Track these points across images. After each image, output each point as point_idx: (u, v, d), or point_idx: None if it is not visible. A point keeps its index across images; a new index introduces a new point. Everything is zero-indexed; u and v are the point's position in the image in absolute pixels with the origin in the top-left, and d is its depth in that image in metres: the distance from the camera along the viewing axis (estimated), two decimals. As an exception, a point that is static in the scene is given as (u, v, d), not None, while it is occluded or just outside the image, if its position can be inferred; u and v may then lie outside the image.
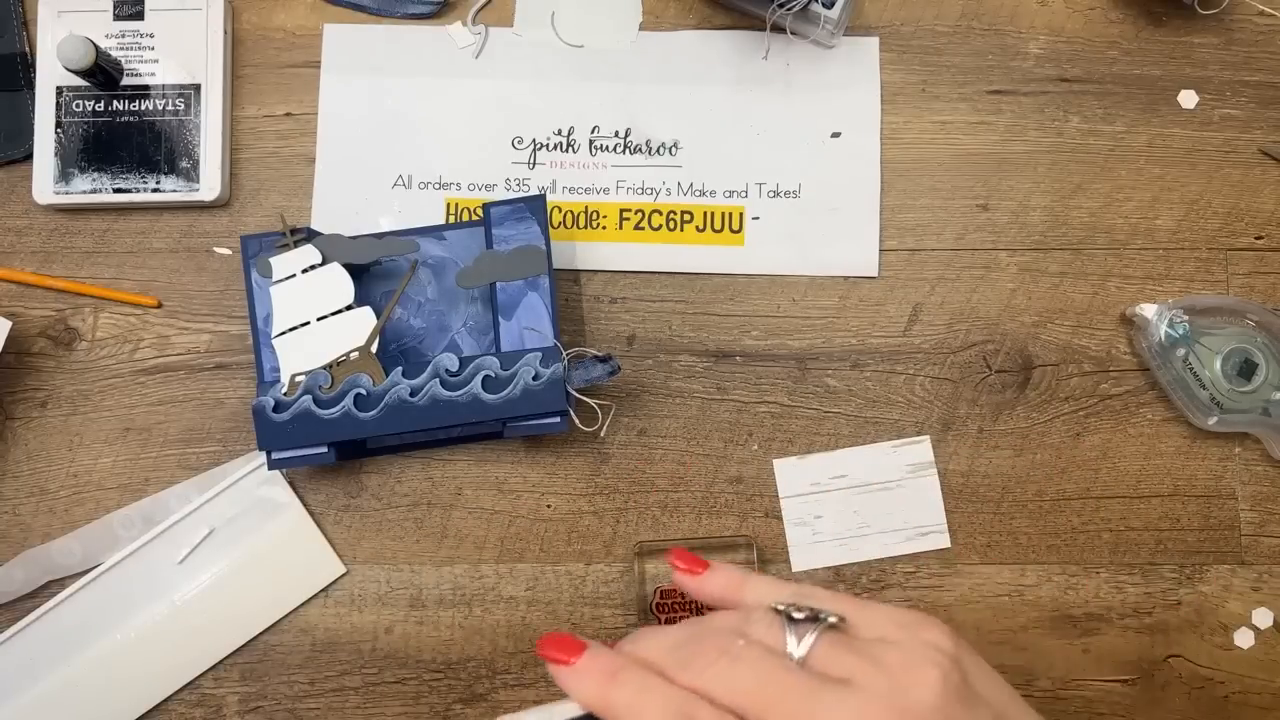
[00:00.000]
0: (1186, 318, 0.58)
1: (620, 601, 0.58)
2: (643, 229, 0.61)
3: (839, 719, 0.27)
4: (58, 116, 0.60)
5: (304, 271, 0.56)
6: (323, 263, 0.56)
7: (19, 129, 0.61)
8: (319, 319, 0.56)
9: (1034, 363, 0.60)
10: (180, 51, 0.61)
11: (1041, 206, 0.62)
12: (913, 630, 0.31)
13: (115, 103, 0.60)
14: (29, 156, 0.60)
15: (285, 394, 0.55)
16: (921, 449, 0.60)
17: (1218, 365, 0.58)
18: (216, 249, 0.61)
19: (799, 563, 0.59)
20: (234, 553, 0.58)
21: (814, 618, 0.31)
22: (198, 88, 0.61)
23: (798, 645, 0.30)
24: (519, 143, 0.62)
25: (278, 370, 0.56)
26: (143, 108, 0.60)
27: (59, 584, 0.58)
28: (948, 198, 0.62)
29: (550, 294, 0.56)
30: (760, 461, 0.60)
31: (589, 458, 0.60)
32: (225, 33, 0.61)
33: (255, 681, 0.58)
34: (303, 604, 0.58)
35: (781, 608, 0.31)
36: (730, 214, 0.62)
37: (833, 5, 0.57)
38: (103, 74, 0.59)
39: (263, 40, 0.63)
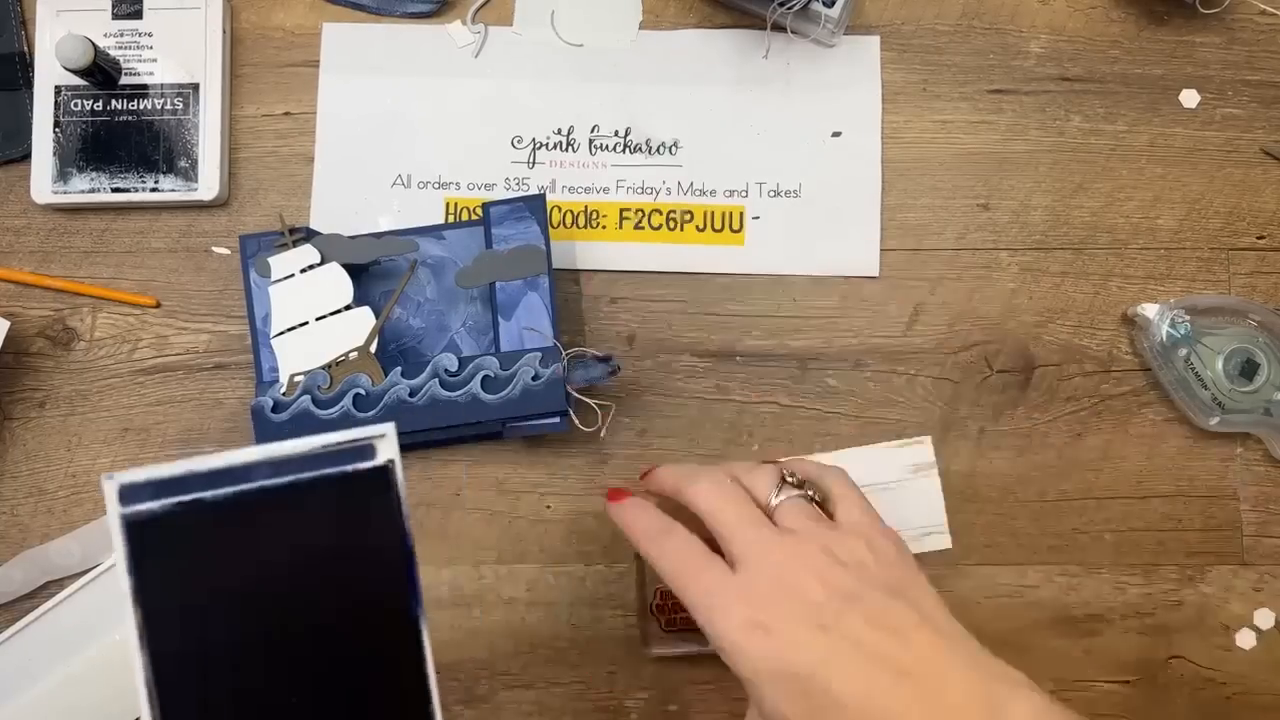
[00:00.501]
0: (1188, 318, 0.58)
1: (620, 603, 0.58)
2: (643, 229, 0.61)
3: (773, 551, 0.39)
4: (56, 116, 0.60)
5: (303, 271, 0.56)
6: (321, 262, 0.56)
7: (17, 128, 0.61)
8: (318, 319, 0.56)
9: (1035, 363, 0.60)
10: (179, 51, 0.60)
11: (1043, 206, 0.62)
12: (871, 522, 0.43)
13: (114, 102, 0.60)
14: (27, 156, 0.60)
15: (284, 394, 0.55)
16: (922, 449, 0.59)
17: (1219, 365, 0.58)
18: (215, 249, 0.61)
19: (799, 563, 0.59)
20: (233, 553, 0.58)
21: (800, 485, 0.44)
22: (196, 87, 0.60)
23: (776, 496, 0.43)
24: (519, 142, 0.62)
25: (276, 370, 0.56)
26: (141, 107, 0.60)
27: (58, 584, 0.58)
28: (948, 197, 0.62)
29: (550, 294, 0.56)
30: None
31: (589, 458, 0.60)
32: (224, 32, 0.61)
33: (254, 682, 0.58)
34: (302, 605, 0.58)
35: (786, 473, 0.44)
36: (730, 214, 0.61)
37: (833, 4, 0.57)
38: (101, 73, 0.58)
39: (262, 39, 0.62)
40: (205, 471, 0.28)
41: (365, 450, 0.30)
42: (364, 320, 0.56)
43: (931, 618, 0.39)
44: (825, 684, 0.36)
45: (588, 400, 0.56)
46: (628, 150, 0.62)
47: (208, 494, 0.28)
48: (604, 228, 0.61)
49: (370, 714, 0.29)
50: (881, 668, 0.37)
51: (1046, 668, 0.58)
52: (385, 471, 0.30)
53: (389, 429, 0.30)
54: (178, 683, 0.28)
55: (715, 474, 0.44)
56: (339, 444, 0.29)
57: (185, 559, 0.28)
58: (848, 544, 0.41)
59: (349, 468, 0.29)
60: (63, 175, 0.60)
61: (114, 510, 0.27)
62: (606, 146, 0.62)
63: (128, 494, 0.27)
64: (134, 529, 0.27)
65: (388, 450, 0.30)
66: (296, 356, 0.56)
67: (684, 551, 0.41)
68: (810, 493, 0.44)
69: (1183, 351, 0.58)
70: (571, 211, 0.62)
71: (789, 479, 0.44)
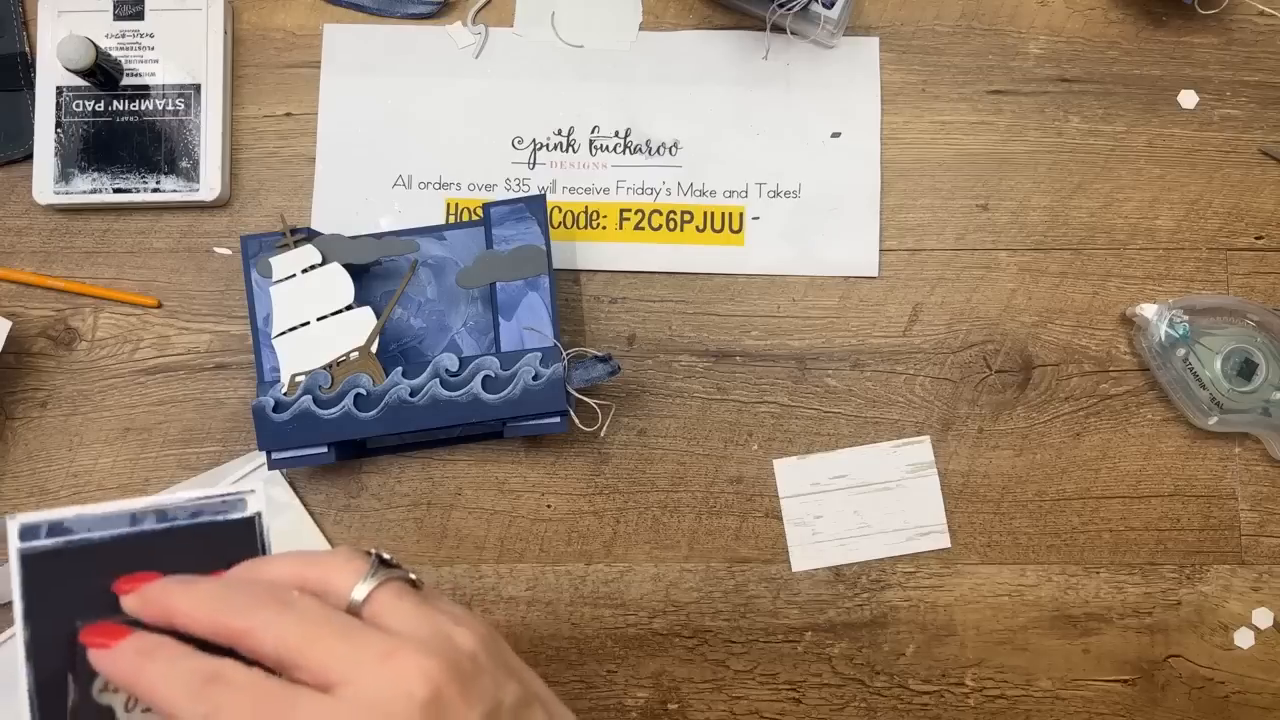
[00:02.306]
0: (1186, 318, 0.58)
1: (620, 601, 0.58)
2: (643, 229, 0.61)
3: (366, 659, 0.29)
4: (58, 116, 0.60)
5: (304, 271, 0.56)
6: (323, 263, 0.56)
7: (19, 129, 0.61)
8: (319, 319, 0.56)
9: (1034, 363, 0.60)
10: (180, 51, 0.61)
11: (1042, 206, 0.62)
12: (457, 615, 0.32)
13: (115, 103, 0.60)
14: (29, 156, 0.60)
15: (285, 394, 0.55)
16: (921, 449, 0.60)
17: (1218, 365, 0.58)
18: (217, 249, 0.61)
19: (799, 563, 0.59)
20: (234, 553, 0.58)
21: (390, 564, 0.33)
22: (198, 88, 0.61)
23: (364, 586, 0.31)
24: (519, 143, 0.62)
25: (278, 370, 0.56)
26: (143, 108, 0.60)
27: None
28: (948, 198, 0.62)
29: (550, 294, 0.56)
30: (760, 461, 0.60)
31: (589, 458, 0.60)
32: (225, 33, 0.61)
33: (255, 681, 0.58)
34: (303, 604, 0.58)
35: (373, 552, 0.33)
36: (730, 214, 0.62)
37: (833, 5, 0.57)
38: (103, 74, 0.59)
39: (263, 40, 0.63)
40: (92, 516, 0.34)
41: (237, 503, 0.34)
42: (365, 320, 0.56)
43: None
44: None
45: (588, 400, 0.56)
46: (628, 151, 0.62)
47: (94, 535, 0.33)
48: (604, 228, 0.62)
49: None
50: None
51: (1045, 667, 0.58)
52: (252, 522, 0.34)
53: (259, 485, 0.35)
54: (53, 696, 0.32)
55: (261, 591, 0.31)
56: (215, 496, 0.34)
57: (69, 590, 0.33)
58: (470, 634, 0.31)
59: (220, 517, 0.34)
60: (64, 176, 0.60)
61: (14, 545, 0.33)
62: (606, 147, 0.62)
63: (26, 532, 0.33)
64: (28, 561, 0.33)
65: (257, 504, 0.34)
66: (298, 356, 0.56)
67: (256, 692, 0.29)
68: (407, 572, 0.33)
69: (1181, 351, 0.58)
70: (572, 212, 0.62)
71: (384, 556, 0.33)
